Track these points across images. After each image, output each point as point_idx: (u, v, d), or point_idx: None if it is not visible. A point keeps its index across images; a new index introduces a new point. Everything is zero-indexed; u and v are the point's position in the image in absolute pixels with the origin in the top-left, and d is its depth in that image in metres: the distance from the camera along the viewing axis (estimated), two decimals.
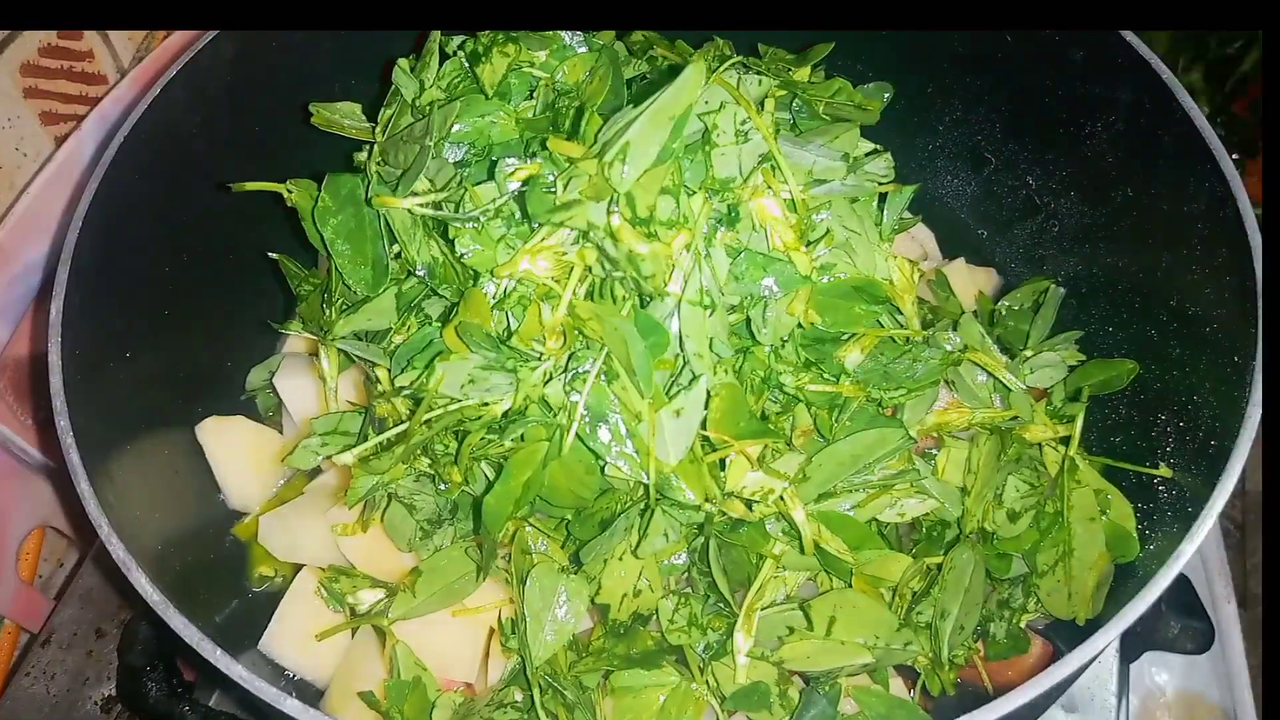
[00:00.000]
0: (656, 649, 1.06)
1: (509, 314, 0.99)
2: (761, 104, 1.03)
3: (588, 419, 0.95)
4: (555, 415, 0.97)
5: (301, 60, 1.27)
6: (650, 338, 0.93)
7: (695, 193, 0.96)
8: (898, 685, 1.10)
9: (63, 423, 0.97)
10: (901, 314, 1.09)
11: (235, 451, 1.28)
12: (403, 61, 1.12)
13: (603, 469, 0.98)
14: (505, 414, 0.98)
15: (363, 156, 1.12)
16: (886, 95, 1.23)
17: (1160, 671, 1.37)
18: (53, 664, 1.37)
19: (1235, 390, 0.97)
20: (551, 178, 0.97)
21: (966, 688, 1.12)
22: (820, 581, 1.09)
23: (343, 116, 1.15)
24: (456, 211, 1.00)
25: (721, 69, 0.99)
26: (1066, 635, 1.09)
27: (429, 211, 1.02)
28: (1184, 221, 1.10)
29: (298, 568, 1.21)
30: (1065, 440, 1.14)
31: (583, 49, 1.11)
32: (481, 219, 0.99)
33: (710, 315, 0.95)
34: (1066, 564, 1.07)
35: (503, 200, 0.99)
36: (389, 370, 1.06)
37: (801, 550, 1.00)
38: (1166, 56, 1.12)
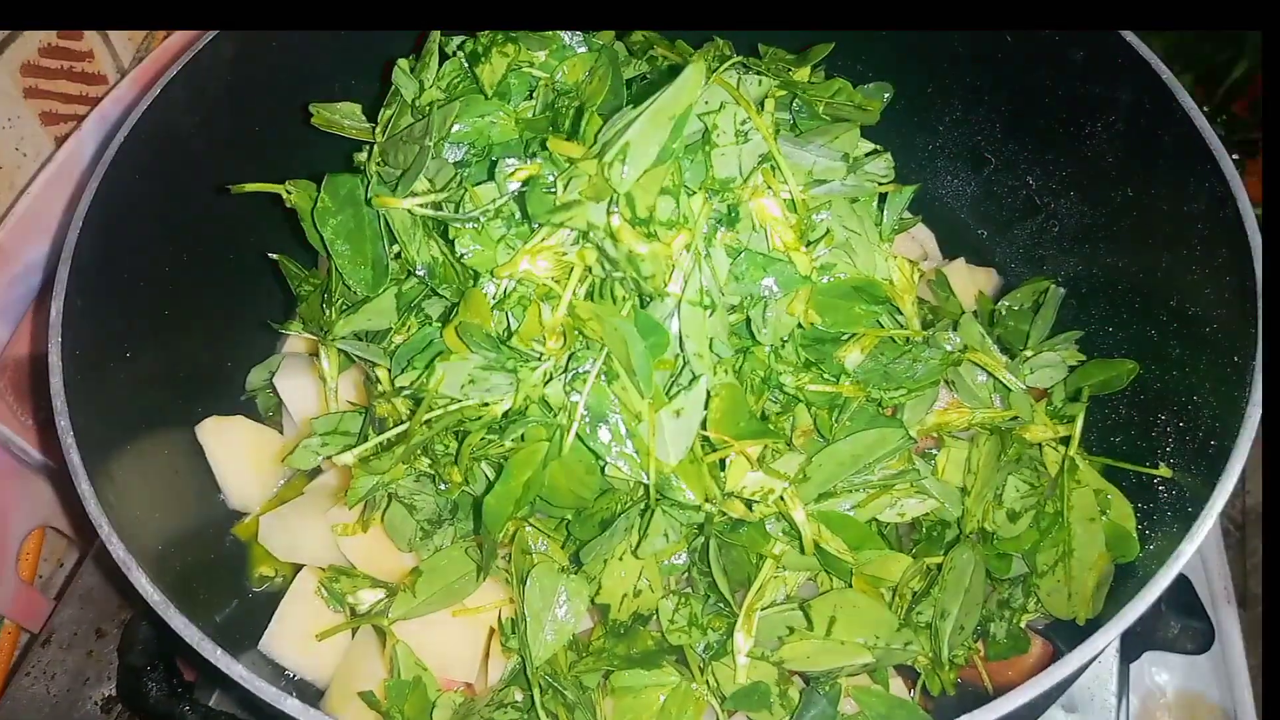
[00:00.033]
0: (657, 649, 1.06)
1: (509, 314, 0.99)
2: (761, 104, 1.03)
3: (588, 419, 0.95)
4: (555, 415, 0.97)
5: (301, 60, 1.27)
6: (650, 338, 0.93)
7: (695, 193, 0.96)
8: (898, 685, 1.10)
9: (63, 423, 0.97)
10: (901, 314, 1.09)
11: (235, 451, 1.28)
12: (402, 62, 1.12)
13: (603, 469, 0.98)
14: (505, 414, 0.98)
15: (363, 157, 1.12)
16: (886, 95, 1.23)
17: (1160, 671, 1.37)
18: (53, 664, 1.37)
19: (1235, 390, 0.97)
20: (551, 178, 0.97)
21: (966, 688, 1.12)
22: (820, 581, 1.09)
23: (343, 117, 1.15)
24: (456, 212, 1.00)
25: (721, 69, 0.99)
26: (1066, 635, 1.09)
27: (429, 212, 1.02)
28: (1184, 221, 1.10)
29: (298, 568, 1.21)
30: (1065, 440, 1.14)
31: (582, 49, 1.11)
32: (481, 219, 0.99)
33: (710, 315, 0.95)
34: (1066, 564, 1.07)
35: (503, 200, 0.99)
36: (389, 370, 1.06)
37: (802, 550, 1.00)
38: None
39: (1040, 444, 1.15)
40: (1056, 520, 1.09)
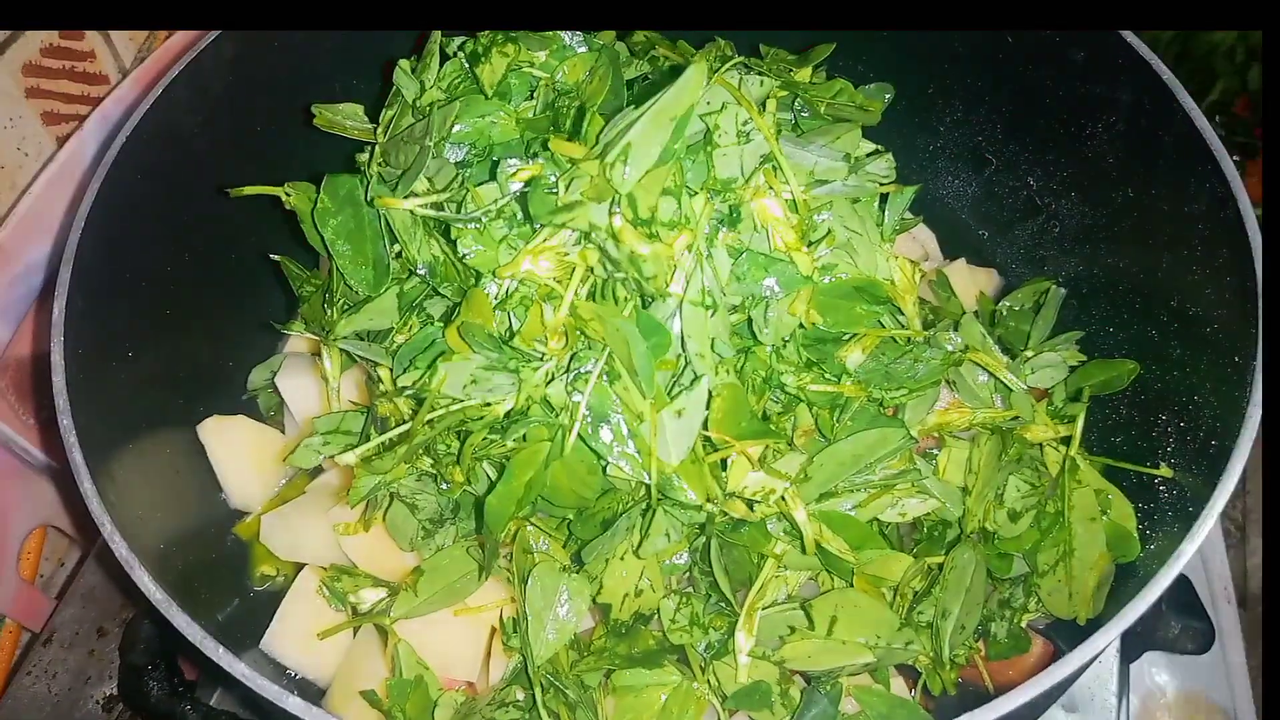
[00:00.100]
0: (658, 648, 1.06)
1: (511, 314, 0.99)
2: (763, 104, 1.03)
3: (590, 419, 0.95)
4: (557, 415, 0.98)
5: (303, 60, 1.27)
6: (652, 338, 0.93)
7: (697, 193, 0.96)
8: (899, 685, 1.10)
9: (65, 422, 0.97)
10: (903, 314, 1.09)
11: (237, 451, 1.28)
12: (403, 63, 1.12)
13: (604, 469, 0.98)
14: (507, 414, 0.98)
15: (365, 158, 1.13)
16: (888, 96, 1.23)
17: (1160, 671, 1.37)
18: (54, 663, 1.37)
19: (1236, 390, 0.97)
20: (553, 178, 0.97)
21: (967, 687, 1.12)
22: (821, 581, 1.09)
23: (345, 118, 1.15)
24: (458, 212, 1.01)
25: (723, 69, 0.99)
26: (1067, 635, 1.09)
27: (431, 213, 1.02)
28: (1184, 222, 1.10)
29: (299, 567, 1.22)
30: (1066, 440, 1.14)
31: (582, 49, 1.11)
32: (483, 220, 0.99)
33: (712, 316, 0.95)
34: (1067, 564, 1.07)
35: (505, 201, 0.99)
36: (391, 370, 1.07)
37: (803, 550, 1.01)
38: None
39: (1041, 444, 1.15)
40: (1057, 520, 1.09)
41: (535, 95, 1.09)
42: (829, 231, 1.03)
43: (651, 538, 1.00)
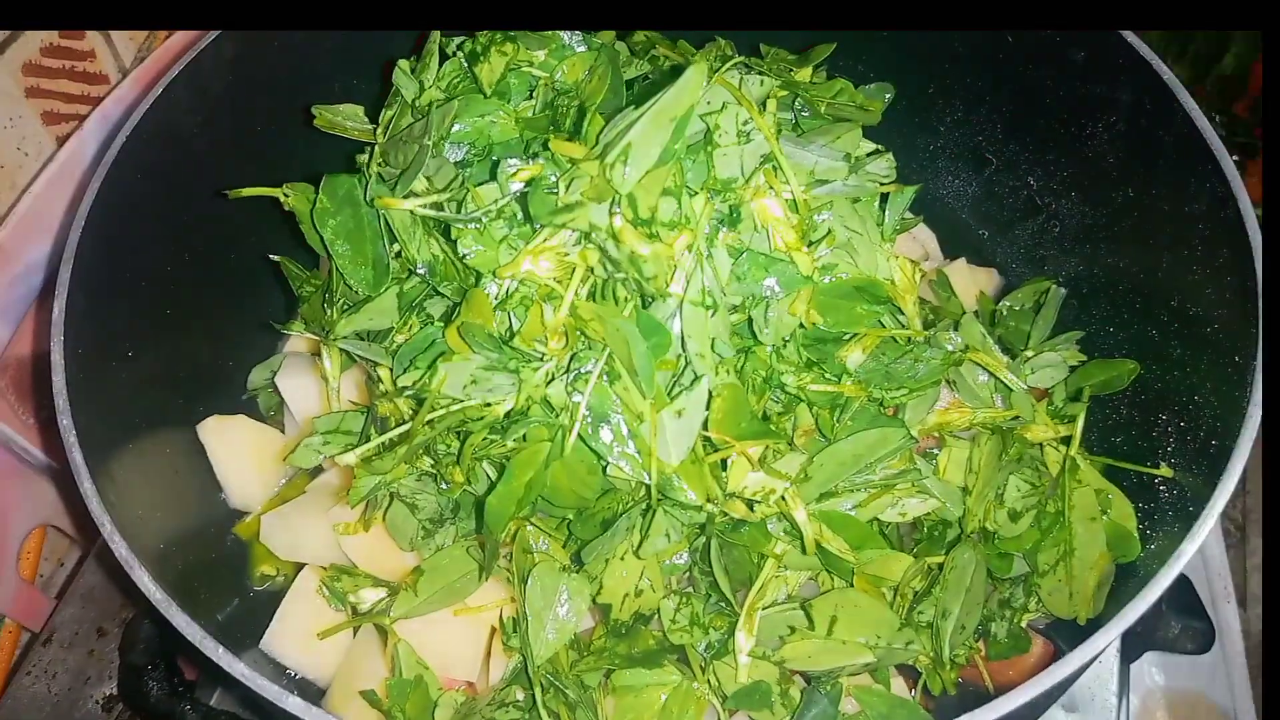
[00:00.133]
0: (658, 648, 1.06)
1: (511, 315, 0.99)
2: (763, 104, 1.03)
3: (590, 419, 0.95)
4: (557, 416, 0.98)
5: (302, 60, 1.27)
6: (652, 338, 0.93)
7: (697, 193, 0.96)
8: (899, 685, 1.10)
9: (65, 422, 0.97)
10: (903, 314, 1.09)
11: (237, 450, 1.28)
12: (403, 63, 1.12)
13: (604, 469, 0.98)
14: (507, 414, 0.98)
15: (365, 158, 1.13)
16: (888, 96, 1.23)
17: (1160, 671, 1.37)
18: (54, 663, 1.37)
19: (1236, 390, 0.97)
20: (554, 179, 0.97)
21: (967, 687, 1.12)
22: (822, 581, 1.09)
23: (345, 118, 1.15)
24: (458, 212, 1.01)
25: (723, 69, 0.99)
26: (1067, 635, 1.09)
27: (431, 213, 1.02)
28: (1185, 222, 1.10)
29: (299, 567, 1.22)
30: (1066, 440, 1.14)
31: (581, 48, 1.11)
32: (484, 220, 0.99)
33: (712, 316, 0.95)
34: (1067, 563, 1.07)
35: (505, 201, 0.99)
36: (391, 370, 1.07)
37: (803, 550, 1.00)
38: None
39: (1041, 444, 1.15)
40: (1057, 520, 1.09)
41: (534, 94, 1.09)
42: (829, 231, 1.02)
43: (651, 538, 1.00)
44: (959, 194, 1.47)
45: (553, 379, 0.97)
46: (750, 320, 1.00)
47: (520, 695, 1.06)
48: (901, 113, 1.27)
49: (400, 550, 1.13)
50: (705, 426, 0.96)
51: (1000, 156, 1.40)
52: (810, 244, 1.00)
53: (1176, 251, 1.12)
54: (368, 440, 1.06)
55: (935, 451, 1.14)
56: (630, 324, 0.92)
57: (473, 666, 1.13)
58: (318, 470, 1.28)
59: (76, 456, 0.96)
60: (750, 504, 0.99)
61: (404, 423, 1.03)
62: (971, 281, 1.40)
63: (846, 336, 1.04)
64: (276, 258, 1.24)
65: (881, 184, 1.05)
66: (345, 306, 1.11)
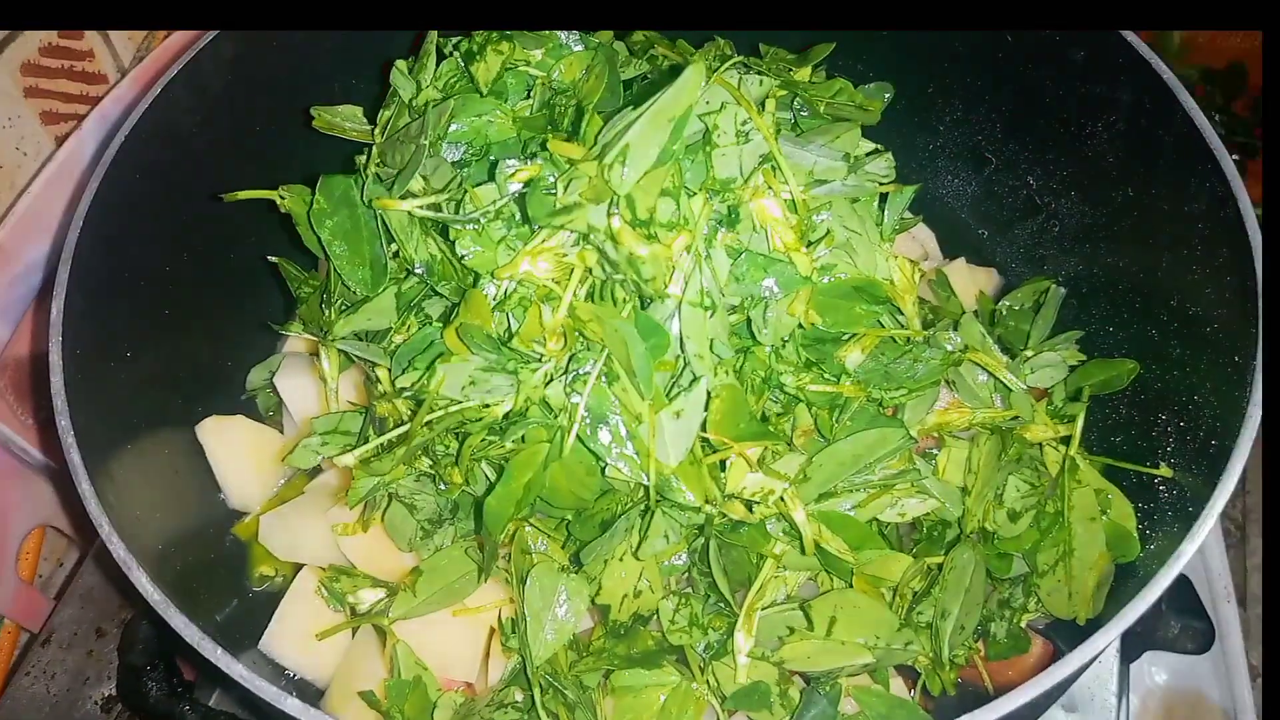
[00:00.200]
0: (657, 649, 1.06)
1: (509, 315, 0.99)
2: (762, 104, 1.03)
3: (588, 420, 0.95)
4: (556, 417, 0.97)
5: (302, 60, 1.27)
6: (651, 339, 0.93)
7: (696, 194, 0.96)
8: (898, 685, 1.10)
9: (63, 422, 0.97)
10: (902, 314, 1.09)
11: (236, 451, 1.28)
12: (400, 63, 1.12)
13: (603, 470, 0.98)
14: (506, 415, 0.98)
15: (363, 159, 1.12)
16: (887, 95, 1.23)
17: (1160, 671, 1.37)
18: (53, 663, 1.37)
19: (1236, 390, 0.97)
20: (552, 179, 0.97)
21: (967, 687, 1.12)
22: (821, 581, 1.09)
23: (344, 119, 1.15)
24: (457, 212, 1.00)
25: (722, 69, 0.99)
26: (1067, 635, 1.09)
27: (430, 214, 1.02)
28: (1184, 221, 1.10)
29: (298, 567, 1.21)
30: (1066, 440, 1.14)
31: (578, 47, 1.11)
32: (482, 220, 0.99)
33: (711, 316, 0.95)
34: (1067, 564, 1.07)
35: (503, 202, 0.99)
36: (389, 371, 1.06)
37: (802, 550, 1.00)
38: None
39: (1041, 444, 1.15)
40: (1057, 520, 1.09)
41: (532, 94, 1.09)
42: (828, 231, 1.02)
43: (650, 539, 1.00)
44: (958, 193, 1.47)
45: (551, 380, 0.97)
46: (749, 321, 1.00)
47: (519, 696, 1.06)
48: (901, 112, 1.27)
49: (399, 551, 1.13)
50: (704, 427, 0.96)
51: (1000, 156, 1.39)
52: (809, 244, 1.00)
53: (1176, 251, 1.12)
54: (366, 441, 1.06)
55: (934, 452, 1.14)
56: (629, 325, 0.92)
57: (471, 667, 1.13)
58: (316, 471, 1.27)
59: (75, 457, 0.96)
60: (749, 505, 0.99)
61: (402, 423, 1.03)
62: (971, 281, 1.39)
63: (845, 337, 1.04)
64: (275, 259, 1.24)
65: (881, 184, 1.05)
66: (343, 307, 1.11)
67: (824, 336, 1.04)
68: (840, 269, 1.03)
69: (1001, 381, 1.14)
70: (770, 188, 0.98)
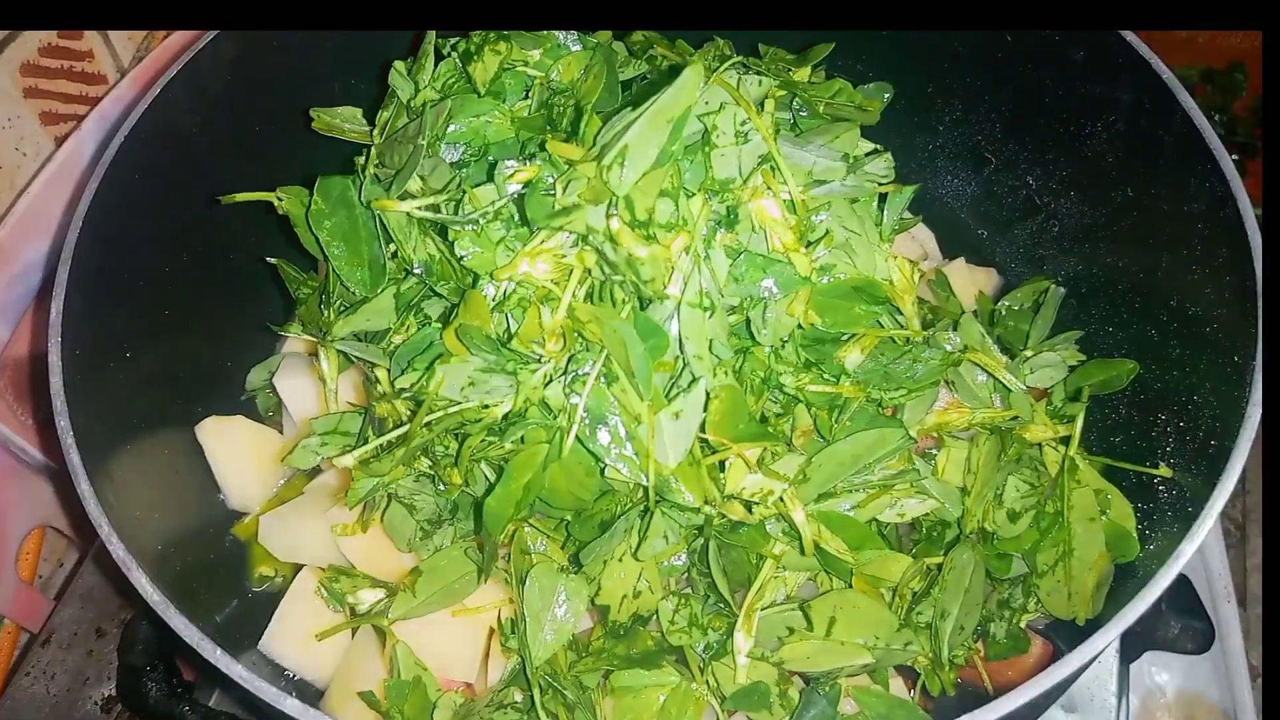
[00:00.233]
0: (657, 649, 1.06)
1: (509, 316, 0.99)
2: (761, 104, 1.03)
3: (587, 421, 0.95)
4: (555, 417, 0.97)
5: (301, 60, 1.27)
6: (650, 340, 0.93)
7: (694, 194, 0.96)
8: (898, 685, 1.10)
9: (63, 423, 0.97)
10: (902, 314, 1.09)
11: (235, 451, 1.28)
12: (399, 64, 1.12)
13: (602, 471, 0.98)
14: (505, 416, 0.98)
15: (362, 160, 1.12)
16: (887, 95, 1.23)
17: (1160, 671, 1.37)
18: (53, 664, 1.37)
19: (1235, 390, 0.97)
20: (551, 180, 0.97)
21: (966, 688, 1.12)
22: (820, 582, 1.09)
23: (343, 121, 1.15)
24: (456, 213, 1.00)
25: (721, 69, 0.99)
26: (1067, 635, 1.09)
27: (429, 215, 1.02)
28: (1184, 221, 1.10)
29: (298, 568, 1.21)
30: (1065, 440, 1.14)
31: (576, 47, 1.11)
32: (481, 221, 0.99)
33: (710, 317, 0.95)
34: (1066, 564, 1.07)
35: (502, 203, 0.99)
36: (389, 371, 1.06)
37: (801, 551, 1.00)
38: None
39: (1040, 444, 1.15)
40: (1056, 520, 1.09)
41: (530, 94, 1.09)
42: (827, 232, 1.02)
43: (650, 539, 1.00)
44: (958, 193, 1.47)
45: (550, 381, 0.97)
46: (748, 321, 1.00)
47: (519, 696, 1.06)
48: (900, 112, 1.27)
49: (398, 551, 1.13)
50: (703, 428, 0.96)
51: (999, 156, 1.39)
52: (808, 244, 1.00)
53: (1176, 251, 1.12)
54: (365, 442, 1.06)
55: (934, 452, 1.14)
56: (628, 326, 0.91)
57: (471, 667, 1.13)
58: (316, 471, 1.27)
59: (74, 457, 0.96)
60: (748, 505, 0.99)
61: (402, 424, 1.03)
62: (970, 281, 1.39)
63: (845, 337, 1.04)
64: (274, 260, 1.24)
65: (880, 184, 1.05)
66: (342, 308, 1.11)
67: (823, 337, 1.04)
68: (839, 269, 1.03)
69: (1001, 382, 1.14)
70: (769, 188, 0.98)
